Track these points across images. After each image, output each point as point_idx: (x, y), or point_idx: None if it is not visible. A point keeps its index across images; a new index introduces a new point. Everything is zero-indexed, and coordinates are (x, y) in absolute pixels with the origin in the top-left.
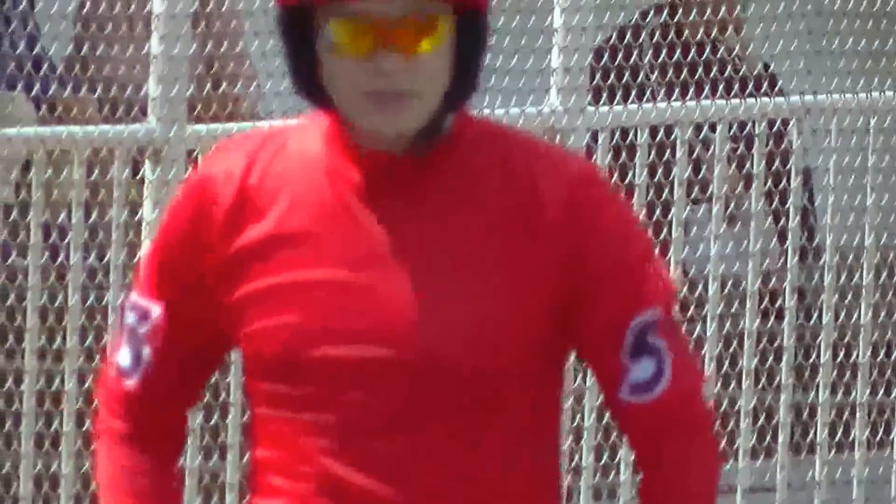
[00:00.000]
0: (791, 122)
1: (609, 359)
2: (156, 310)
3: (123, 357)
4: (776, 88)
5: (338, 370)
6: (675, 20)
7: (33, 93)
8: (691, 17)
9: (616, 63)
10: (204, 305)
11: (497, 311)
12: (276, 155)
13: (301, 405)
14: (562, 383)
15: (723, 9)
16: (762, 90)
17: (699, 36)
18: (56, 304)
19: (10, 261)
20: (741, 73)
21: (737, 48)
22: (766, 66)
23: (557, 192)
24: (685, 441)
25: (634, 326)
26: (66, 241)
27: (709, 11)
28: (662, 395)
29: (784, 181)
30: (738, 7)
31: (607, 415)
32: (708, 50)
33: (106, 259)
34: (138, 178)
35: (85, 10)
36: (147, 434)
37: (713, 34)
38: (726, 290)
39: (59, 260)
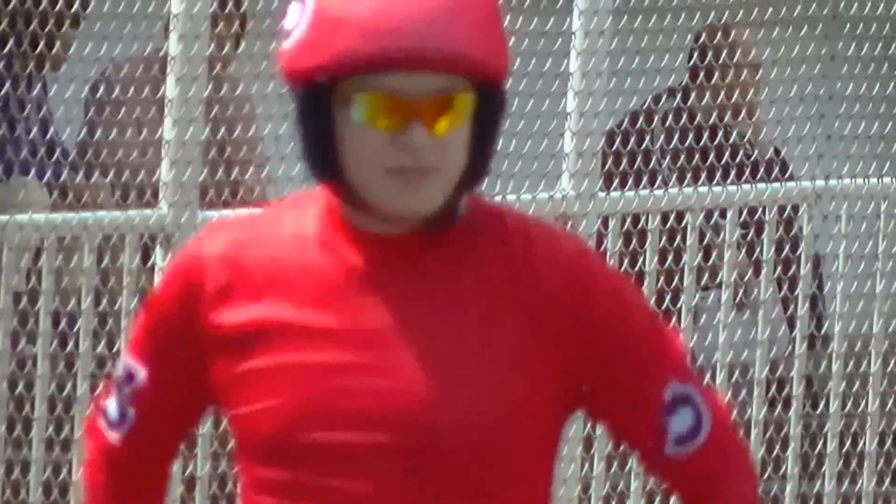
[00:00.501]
0: (802, 208)
1: (648, 424)
2: (141, 373)
3: (111, 408)
4: (787, 173)
5: (333, 455)
6: (688, 104)
7: (45, 178)
8: (704, 101)
9: (628, 148)
10: (190, 373)
11: (501, 396)
12: (270, 235)
13: (294, 493)
14: (556, 457)
15: (736, 93)
16: (773, 175)
17: (712, 120)
18: (64, 393)
19: (19, 349)
20: (753, 158)
21: (749, 133)
22: (778, 151)
23: (556, 272)
24: (735, 469)
25: (667, 389)
26: (76, 328)
27: (722, 95)
28: (708, 437)
29: (794, 267)
30: (752, 91)
31: (616, 463)
32: (720, 135)
33: (116, 347)
34: (149, 265)
35: (98, 95)
36: (128, 486)
37: (725, 118)
38: (734, 378)
39: (69, 348)
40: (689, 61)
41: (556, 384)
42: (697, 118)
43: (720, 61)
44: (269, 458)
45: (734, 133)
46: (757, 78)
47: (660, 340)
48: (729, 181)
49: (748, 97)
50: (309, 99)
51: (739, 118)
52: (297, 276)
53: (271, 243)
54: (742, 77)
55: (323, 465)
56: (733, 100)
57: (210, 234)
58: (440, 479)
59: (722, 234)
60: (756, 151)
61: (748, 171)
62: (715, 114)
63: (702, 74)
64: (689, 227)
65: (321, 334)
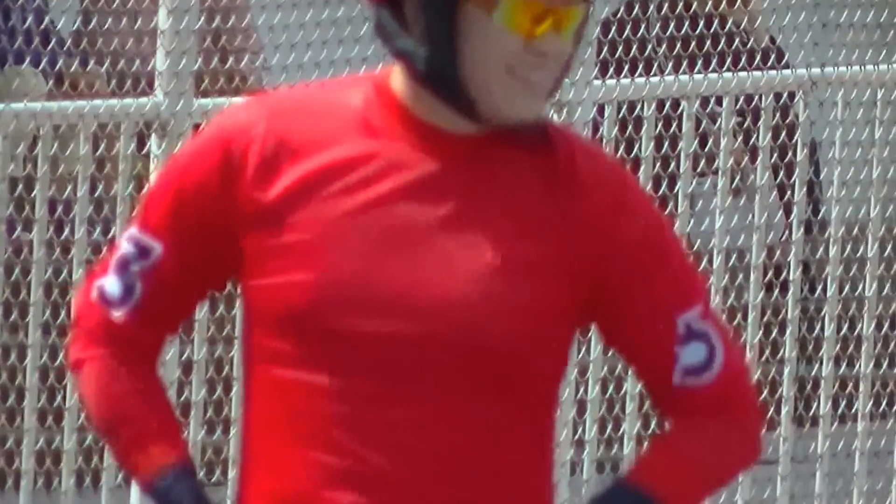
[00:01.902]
0: (797, 95)
1: (660, 350)
2: (157, 249)
3: (112, 286)
4: (783, 62)
5: (357, 338)
6: None
7: (41, 66)
8: None
9: (623, 36)
10: (210, 251)
11: (529, 297)
12: (316, 111)
13: (306, 366)
14: (564, 372)
15: None
16: (769, 63)
17: (707, 8)
18: (60, 279)
19: (15, 235)
20: (748, 46)
21: (744, 21)
22: (773, 40)
23: (598, 192)
24: (734, 426)
25: (684, 318)
26: (72, 215)
27: None
28: (717, 378)
29: (790, 154)
30: None
31: (611, 387)
32: (716, 23)
33: (111, 234)
34: (144, 152)
35: None
36: (132, 357)
37: (721, 7)
38: (731, 263)
39: (65, 234)
40: None
41: (577, 292)
42: (693, 6)
43: None
44: (289, 330)
45: (730, 21)
46: None
47: (683, 273)
48: (725, 69)
49: None
50: None
51: (734, 7)
52: (342, 154)
53: (317, 118)
54: None
55: (343, 346)
56: None
57: (253, 105)
58: (456, 374)
59: (718, 121)
60: (751, 40)
61: (744, 59)
62: (710, 2)
63: None
64: (685, 114)
65: (358, 218)
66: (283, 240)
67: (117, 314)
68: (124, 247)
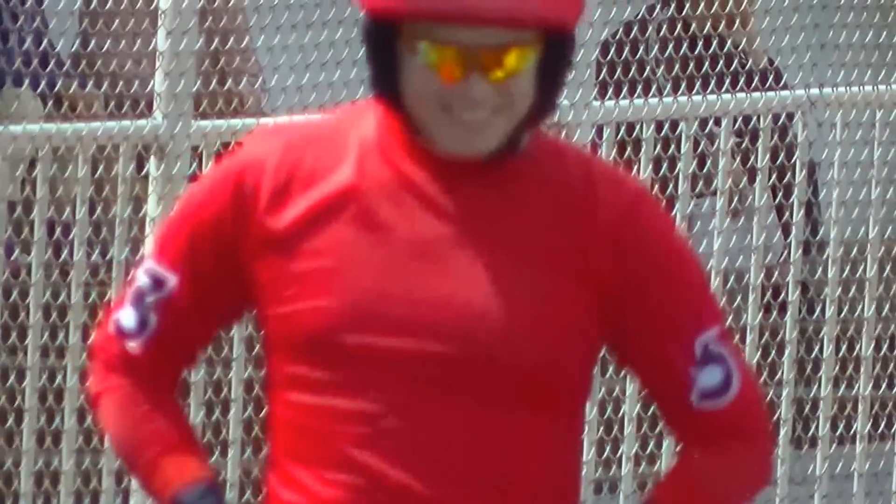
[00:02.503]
0: (796, 116)
1: (677, 373)
2: (172, 281)
3: (127, 318)
4: (781, 83)
5: (374, 358)
6: (682, 14)
7: (40, 89)
8: (698, 11)
9: (622, 57)
10: (224, 282)
11: (548, 313)
12: (327, 138)
13: (331, 391)
14: (589, 392)
15: (730, 2)
16: (767, 84)
17: (706, 30)
18: (59, 301)
19: (13, 257)
20: (747, 68)
21: (743, 42)
22: (771, 62)
23: (614, 210)
24: (748, 448)
25: (701, 341)
26: (70, 237)
27: (716, 5)
28: (734, 401)
29: (788, 175)
30: (745, 1)
31: (609, 409)
32: (714, 44)
33: (109, 256)
34: (143, 174)
35: (92, 6)
36: (150, 386)
37: (720, 28)
38: (729, 285)
39: (63, 256)
40: None
41: (597, 317)
42: (692, 27)
43: None
44: (310, 356)
45: (728, 43)
46: None
47: (701, 296)
48: (723, 90)
49: (741, 6)
50: (377, 30)
51: (733, 28)
52: (355, 180)
53: (327, 147)
54: None
55: (362, 367)
56: (727, 10)
57: (264, 137)
58: (478, 391)
59: (717, 142)
60: (750, 61)
61: (743, 80)
62: (709, 23)
63: None
64: (683, 135)
65: (374, 240)
66: (298, 267)
67: (133, 345)
68: (140, 279)
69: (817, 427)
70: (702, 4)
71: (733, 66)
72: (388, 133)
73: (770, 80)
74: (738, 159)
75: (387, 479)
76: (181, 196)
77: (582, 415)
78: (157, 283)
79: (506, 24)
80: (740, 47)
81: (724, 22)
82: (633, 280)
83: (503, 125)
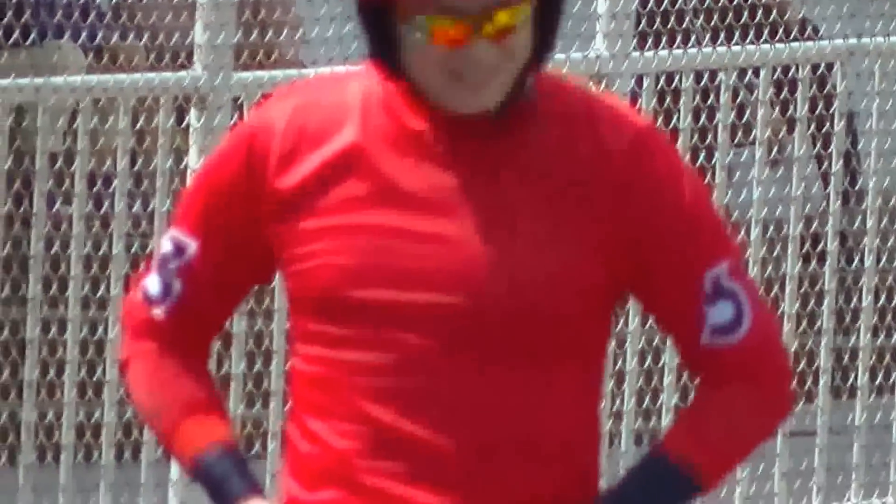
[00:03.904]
0: (835, 66)
1: (687, 309)
2: (192, 246)
3: (153, 285)
4: (818, 36)
5: (385, 312)
6: None
7: (80, 41)
8: None
9: (661, 8)
10: (244, 246)
11: (558, 259)
12: (335, 99)
13: (345, 346)
14: (611, 332)
15: None
16: (806, 34)
17: None
18: (100, 253)
19: (55, 209)
20: (784, 19)
21: None
22: (805, 21)
23: (618, 147)
24: (765, 386)
25: (711, 275)
26: (111, 189)
27: None
28: (745, 338)
29: (827, 125)
30: None
31: (649, 359)
32: None
33: (150, 207)
34: (183, 125)
35: None
36: (176, 351)
37: None
38: (768, 234)
39: (104, 208)
40: None
41: (608, 260)
42: None
43: None
44: (323, 312)
45: None
46: None
47: (712, 231)
48: (762, 40)
49: None
50: (374, 10)
51: None
52: (361, 138)
53: (334, 106)
54: None
55: (375, 322)
56: None
57: (274, 102)
58: (490, 342)
59: (756, 91)
60: (786, 13)
61: (781, 30)
62: None
63: None
64: (722, 85)
65: (382, 197)
66: (310, 226)
67: (158, 311)
68: (164, 246)
69: (856, 377)
70: None
71: (772, 16)
72: (392, 90)
73: (808, 30)
74: (776, 109)
75: (398, 432)
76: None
77: (600, 362)
78: (179, 249)
79: None
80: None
81: None
82: (641, 217)
83: (506, 79)
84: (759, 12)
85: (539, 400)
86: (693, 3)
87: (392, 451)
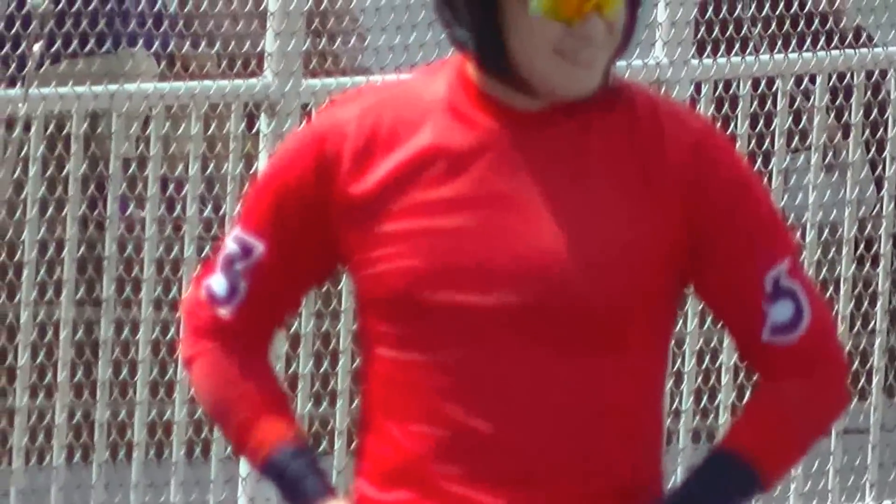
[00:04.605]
0: (889, 73)
1: (748, 307)
2: (259, 247)
3: (218, 284)
4: (871, 43)
5: (458, 313)
6: None
7: (153, 49)
8: None
9: (720, 17)
10: (310, 248)
11: (628, 251)
12: (403, 100)
13: (418, 347)
14: (673, 329)
15: None
16: (860, 42)
17: None
18: (172, 255)
19: (128, 212)
20: (840, 27)
21: (823, 2)
22: (859, 28)
23: (682, 145)
24: (822, 382)
25: (771, 274)
26: (183, 193)
27: None
28: (804, 336)
29: (881, 131)
30: None
31: (707, 359)
32: (809, 3)
33: (221, 211)
34: (254, 132)
35: None
36: (241, 349)
37: None
38: (823, 237)
39: (176, 212)
40: None
41: (674, 252)
42: None
43: None
44: (396, 314)
45: (822, 2)
46: None
47: (772, 230)
48: (818, 48)
49: None
50: None
51: None
52: (433, 141)
53: (404, 108)
54: None
55: (448, 323)
56: None
57: (343, 105)
58: (560, 338)
59: (811, 98)
60: (841, 22)
61: (836, 38)
62: None
63: None
64: (779, 92)
65: (451, 199)
66: (383, 229)
67: (223, 311)
68: (229, 246)
69: None
70: None
71: (828, 25)
72: (458, 92)
73: (863, 37)
74: (832, 115)
75: (470, 430)
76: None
77: (665, 354)
78: (245, 250)
79: None
80: (821, 7)
81: None
82: (704, 216)
83: (606, 60)
84: (815, 21)
85: (610, 390)
86: (751, 11)
87: (465, 452)
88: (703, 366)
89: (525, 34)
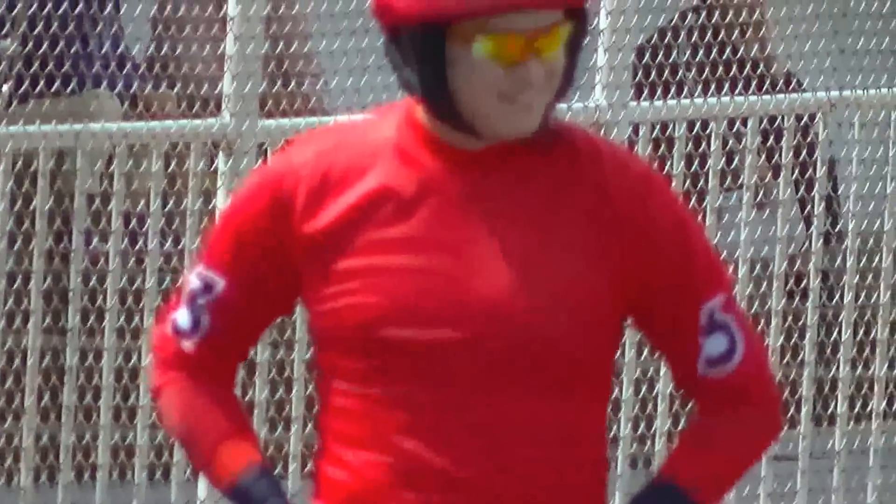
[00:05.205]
0: (817, 116)
1: (684, 340)
2: (220, 283)
3: (183, 319)
4: (800, 87)
5: (410, 349)
6: (712, 21)
7: (117, 90)
8: (724, 19)
9: (657, 61)
10: (269, 283)
11: (572, 289)
12: (354, 143)
13: (374, 381)
14: (615, 356)
15: (744, 12)
16: (791, 87)
17: (734, 36)
18: (134, 287)
19: (92, 246)
20: (771, 72)
21: (755, 49)
22: (789, 74)
23: (623, 185)
24: (756, 412)
25: (706, 309)
26: (145, 228)
27: (730, 14)
28: (739, 368)
29: (810, 171)
30: (758, 11)
31: (644, 388)
32: (741, 49)
33: (181, 245)
34: (212, 169)
35: (165, 13)
36: (205, 379)
37: (734, 36)
38: (755, 272)
39: (138, 245)
40: None
41: (614, 289)
42: (721, 34)
43: None
44: (352, 349)
45: (753, 49)
46: None
47: (707, 266)
48: (750, 92)
49: (754, 16)
50: (424, 35)
51: (749, 36)
52: (380, 182)
53: (355, 150)
54: None
55: (404, 358)
56: (741, 19)
57: (298, 147)
58: (512, 375)
59: (744, 140)
60: (772, 68)
61: (767, 82)
62: (737, 31)
63: None
64: (713, 133)
65: (401, 239)
66: (336, 267)
67: (187, 344)
68: (192, 282)
69: (836, 405)
70: (731, 13)
71: (759, 70)
72: (410, 134)
73: (793, 82)
74: (763, 156)
75: (426, 463)
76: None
77: (609, 385)
78: (207, 285)
79: (549, 5)
80: (753, 54)
81: (742, 29)
82: (644, 253)
83: (546, 103)
84: (747, 66)
85: (560, 426)
86: (686, 57)
87: (421, 483)
88: (640, 395)
89: (469, 77)
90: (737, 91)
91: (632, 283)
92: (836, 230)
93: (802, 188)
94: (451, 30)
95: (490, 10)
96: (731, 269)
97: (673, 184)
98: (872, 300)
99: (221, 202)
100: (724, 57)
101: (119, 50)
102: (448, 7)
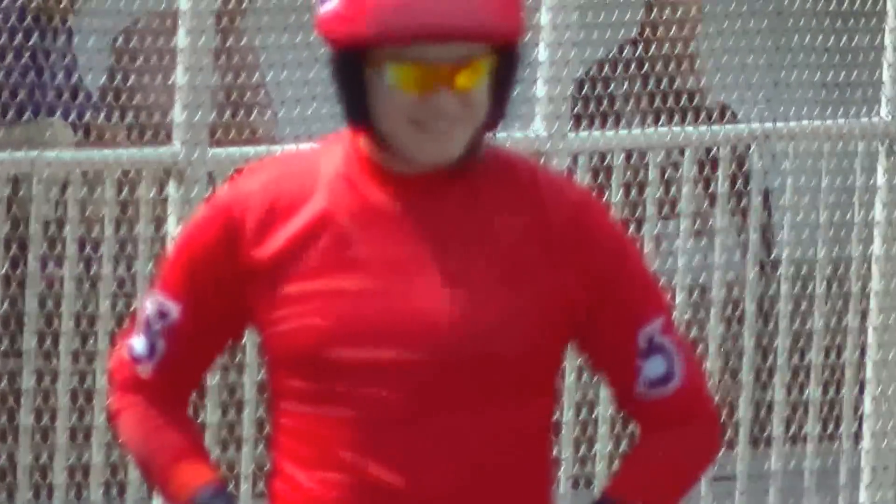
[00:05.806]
0: (752, 147)
1: (624, 362)
2: (174, 310)
3: (139, 344)
4: (735, 119)
5: (360, 369)
6: (648, 54)
7: (70, 119)
8: (658, 52)
9: (595, 93)
10: (221, 308)
11: (511, 310)
12: (301, 172)
13: (323, 401)
14: (557, 376)
15: (679, 45)
16: (726, 118)
17: (671, 68)
18: (88, 311)
19: (48, 271)
20: (706, 104)
21: (690, 81)
22: (725, 105)
23: (563, 211)
24: (696, 432)
25: (645, 332)
26: (99, 253)
27: (667, 47)
28: (678, 389)
29: (745, 200)
30: (692, 45)
31: (584, 410)
32: (678, 81)
33: (134, 270)
34: (163, 196)
35: (118, 44)
36: (161, 403)
37: (670, 68)
38: (693, 298)
39: (93, 270)
40: (647, 16)
41: (554, 312)
42: (658, 66)
43: (663, 17)
44: (302, 371)
45: (689, 81)
46: (697, 32)
47: (646, 291)
48: (687, 123)
49: (689, 49)
50: (344, 59)
51: (682, 69)
52: (327, 208)
53: (302, 178)
54: (683, 31)
55: (350, 378)
56: (675, 52)
57: (247, 177)
58: (455, 392)
59: (681, 169)
60: (706, 99)
61: (704, 114)
62: (672, 63)
63: (647, 29)
64: (650, 163)
65: (345, 263)
66: (285, 291)
67: (143, 368)
68: (148, 308)
69: (772, 427)
70: (667, 45)
71: (695, 101)
72: (353, 161)
73: (728, 114)
74: (700, 185)
75: (377, 480)
76: (179, 231)
77: (552, 403)
78: (162, 312)
79: (462, 39)
80: (688, 85)
81: (676, 63)
82: (584, 277)
83: (466, 133)
84: (683, 98)
85: (504, 441)
86: (624, 89)
87: (371, 500)
88: (581, 417)
89: (383, 104)
90: (674, 122)
91: (571, 305)
92: (771, 258)
93: (738, 217)
94: (367, 55)
95: (399, 41)
96: (670, 295)
97: (612, 212)
98: (806, 325)
99: (172, 228)
100: (660, 88)
101: (72, 80)
102: (360, 33)
